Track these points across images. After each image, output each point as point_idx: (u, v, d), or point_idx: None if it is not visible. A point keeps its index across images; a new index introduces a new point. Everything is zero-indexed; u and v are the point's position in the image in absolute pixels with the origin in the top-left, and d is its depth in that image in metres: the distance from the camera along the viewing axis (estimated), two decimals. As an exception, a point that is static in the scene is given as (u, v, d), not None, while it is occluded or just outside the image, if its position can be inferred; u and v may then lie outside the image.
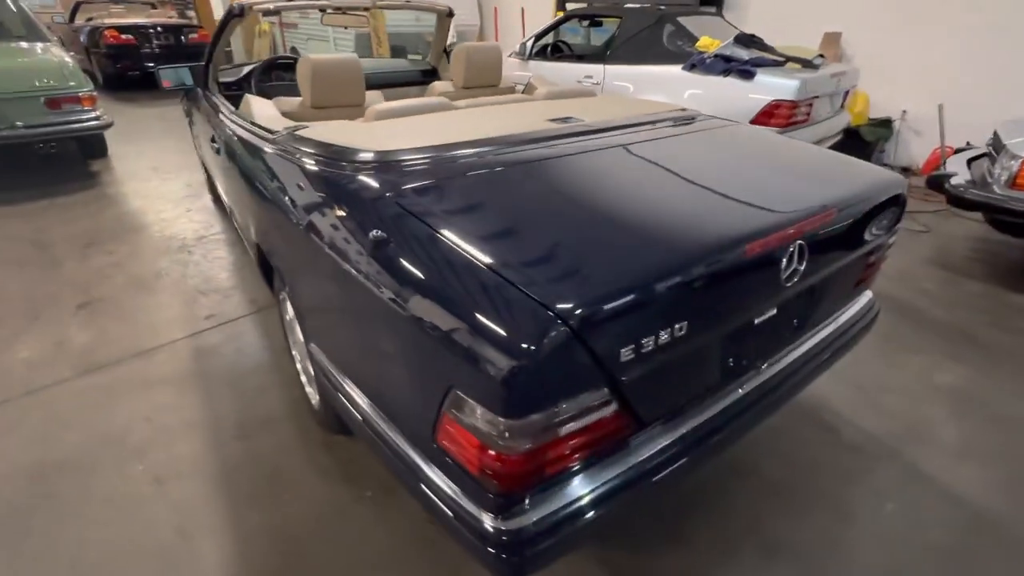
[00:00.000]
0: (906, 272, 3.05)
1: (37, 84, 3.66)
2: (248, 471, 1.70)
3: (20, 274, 2.90)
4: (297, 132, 1.54)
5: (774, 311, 1.18)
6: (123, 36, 7.48)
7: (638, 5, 4.32)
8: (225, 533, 1.49)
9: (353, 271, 1.04)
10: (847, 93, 4.02)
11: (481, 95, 2.27)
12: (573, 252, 0.92)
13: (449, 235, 0.94)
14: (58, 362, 2.20)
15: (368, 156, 1.22)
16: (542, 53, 4.81)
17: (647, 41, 3.92)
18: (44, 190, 4.09)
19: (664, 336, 0.89)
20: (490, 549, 0.89)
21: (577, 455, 0.92)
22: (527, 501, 0.91)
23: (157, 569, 1.40)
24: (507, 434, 0.81)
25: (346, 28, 6.31)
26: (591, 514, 0.96)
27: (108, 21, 7.76)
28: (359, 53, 7.30)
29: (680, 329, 0.91)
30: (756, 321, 1.15)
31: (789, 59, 3.60)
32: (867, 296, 1.63)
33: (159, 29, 7.80)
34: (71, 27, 8.51)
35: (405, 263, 0.94)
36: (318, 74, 1.98)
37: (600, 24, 5.45)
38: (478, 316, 0.80)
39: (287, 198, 1.37)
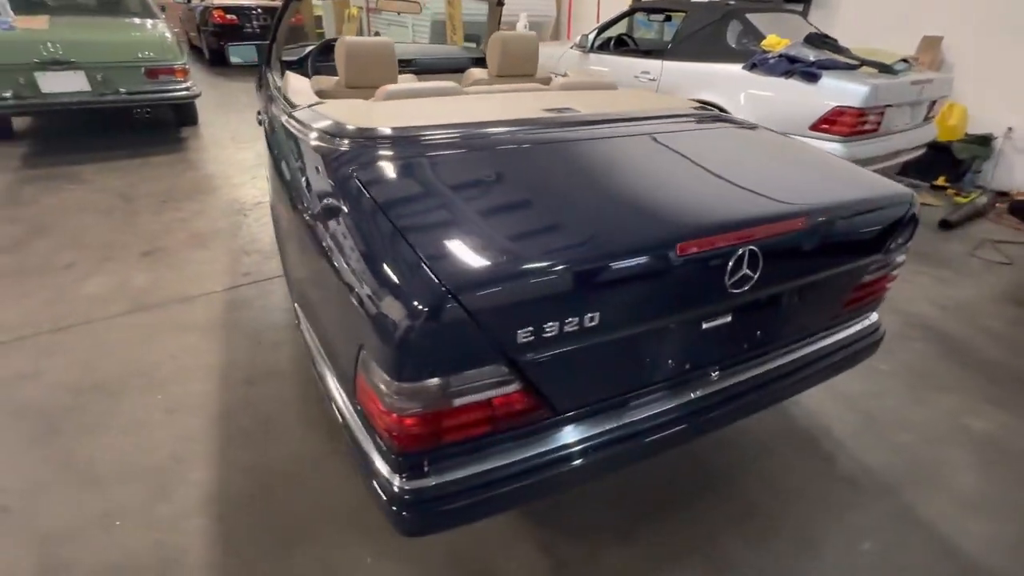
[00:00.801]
0: (969, 305, 2.75)
1: (139, 55, 4.11)
2: (246, 414, 1.86)
3: (105, 221, 3.31)
4: (312, 107, 1.65)
5: (728, 318, 1.14)
6: (227, 16, 8.18)
7: None
8: (212, 464, 1.66)
9: (310, 234, 1.13)
10: (934, 103, 3.64)
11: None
12: (491, 233, 0.95)
13: (387, 207, 0.99)
14: (115, 300, 2.50)
15: (347, 132, 1.30)
16: (605, 46, 4.73)
17: (710, 38, 3.75)
18: (140, 150, 4.61)
19: (571, 324, 0.89)
20: (393, 507, 0.95)
21: (479, 428, 0.96)
22: (426, 465, 0.95)
23: (150, 485, 1.58)
24: (398, 396, 0.86)
25: (399, 14, 6.51)
26: (496, 490, 0.99)
27: (216, 2, 8.49)
28: (433, 40, 7.52)
29: (591, 320, 0.91)
30: (705, 326, 1.12)
31: (864, 63, 3.32)
32: (869, 320, 1.51)
33: (259, 10, 8.44)
34: (188, 7, 9.42)
35: (345, 230, 1.00)
36: (351, 55, 2.10)
37: (670, 19, 5.26)
38: (383, 282, 0.85)
39: (283, 166, 1.49)
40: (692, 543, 1.47)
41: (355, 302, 0.90)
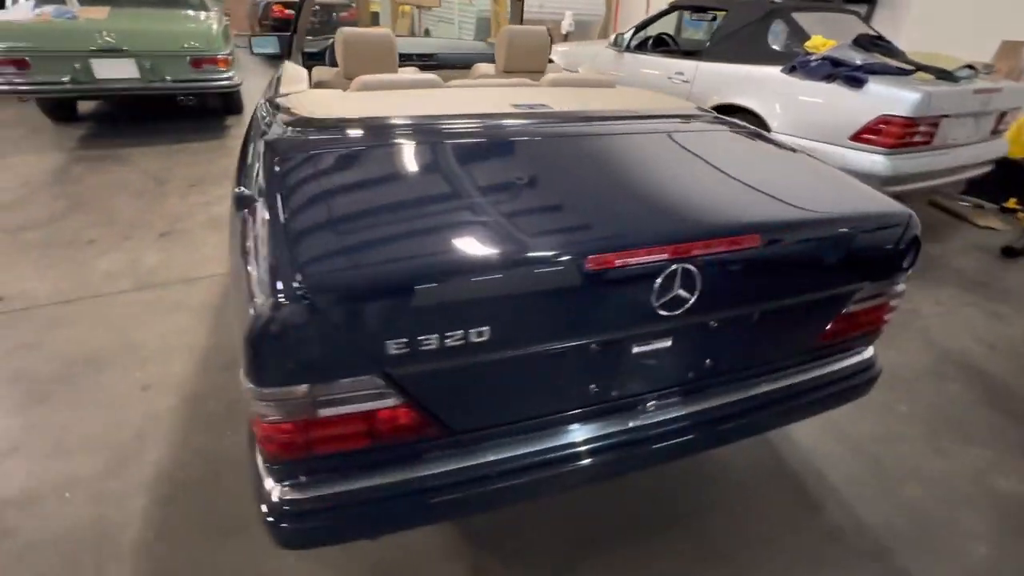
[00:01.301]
0: (1021, 344, 2.43)
1: (185, 46, 4.31)
2: (215, 399, 1.88)
3: (135, 202, 3.48)
4: (287, 95, 1.63)
5: (667, 343, 1.02)
6: (286, 11, 8.52)
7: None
8: (171, 445, 1.68)
9: (232, 219, 1.10)
10: (1004, 115, 3.25)
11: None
12: (376, 232, 0.87)
13: (284, 198, 0.93)
14: (126, 276, 2.61)
15: (294, 120, 1.27)
16: (643, 46, 4.54)
17: (750, 38, 3.51)
18: (182, 136, 4.84)
19: (454, 339, 0.81)
20: (269, 517, 0.90)
21: (359, 442, 0.89)
22: (302, 476, 0.89)
23: (108, 460, 1.61)
24: (260, 401, 0.80)
25: (419, 9, 6.55)
26: (387, 507, 0.92)
27: (278, -3, 8.88)
28: (478, 36, 7.53)
29: (480, 335, 0.82)
30: (636, 350, 1.00)
31: (921, 68, 2.99)
32: (861, 356, 1.32)
33: (316, 7, 8.72)
34: (253, 1, 9.89)
35: (247, 219, 0.96)
36: (349, 46, 2.07)
37: (716, 19, 5.00)
38: (251, 277, 0.80)
39: (243, 149, 1.48)
40: (638, 584, 1.35)
41: (235, 300, 0.85)
